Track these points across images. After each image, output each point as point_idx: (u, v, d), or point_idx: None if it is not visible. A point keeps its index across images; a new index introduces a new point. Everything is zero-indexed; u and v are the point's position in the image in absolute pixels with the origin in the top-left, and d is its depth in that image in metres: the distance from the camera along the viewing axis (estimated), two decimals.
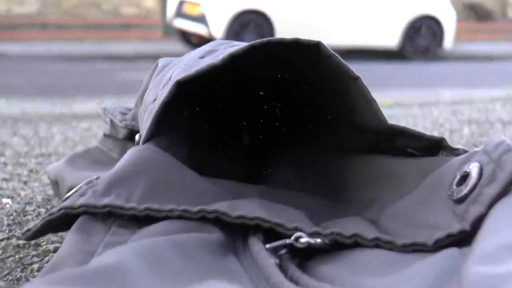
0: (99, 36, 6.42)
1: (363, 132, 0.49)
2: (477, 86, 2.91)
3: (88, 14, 7.76)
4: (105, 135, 0.63)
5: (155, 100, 0.47)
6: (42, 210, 0.66)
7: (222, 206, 0.38)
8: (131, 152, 0.42)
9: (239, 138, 0.62)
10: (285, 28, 5.01)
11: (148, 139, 0.45)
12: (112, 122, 0.61)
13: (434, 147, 0.46)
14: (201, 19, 5.03)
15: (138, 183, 0.39)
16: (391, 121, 0.47)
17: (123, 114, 0.60)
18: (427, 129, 1.36)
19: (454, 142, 1.20)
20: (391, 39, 5.40)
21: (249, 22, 5.03)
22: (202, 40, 5.11)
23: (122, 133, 0.59)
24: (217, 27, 4.95)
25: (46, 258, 0.51)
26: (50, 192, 0.73)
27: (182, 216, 0.37)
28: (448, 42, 5.55)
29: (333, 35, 5.10)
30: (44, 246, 0.54)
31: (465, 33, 7.08)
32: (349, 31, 5.25)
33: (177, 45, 5.68)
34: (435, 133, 1.31)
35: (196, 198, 0.39)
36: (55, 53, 4.99)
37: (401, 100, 2.14)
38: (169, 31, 6.20)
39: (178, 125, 0.49)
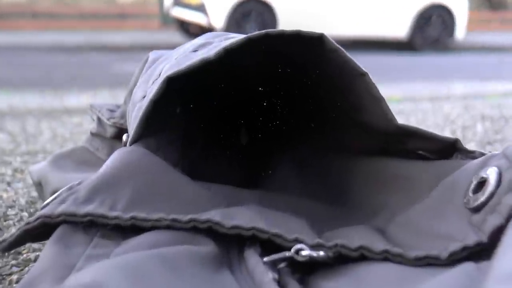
0: (93, 26, 6.41)
1: (370, 132, 0.48)
2: (491, 79, 2.89)
3: (82, 2, 7.74)
4: (92, 134, 0.61)
5: (144, 97, 0.45)
6: (25, 214, 0.64)
7: (215, 215, 0.36)
8: (117, 155, 0.41)
9: (237, 137, 0.61)
10: (289, 18, 5.00)
11: (136, 139, 0.44)
12: (99, 120, 0.59)
13: (448, 149, 0.44)
14: (200, 8, 5.01)
15: (123, 189, 0.37)
16: (399, 117, 0.46)
17: (111, 111, 0.58)
18: (437, 125, 1.35)
19: (467, 139, 1.18)
20: (400, 29, 5.38)
21: (250, 11, 5.01)
22: (201, 30, 5.10)
23: (110, 132, 0.58)
24: (217, 16, 4.92)
25: (26, 269, 0.50)
26: (35, 193, 0.71)
27: (171, 226, 0.36)
28: (460, 32, 5.53)
29: (339, 25, 5.09)
30: (25, 255, 0.52)
31: (478, 23, 7.05)
32: (356, 21, 5.23)
33: (175, 35, 5.67)
34: (447, 130, 1.30)
35: (187, 205, 0.38)
36: (47, 44, 4.98)
37: (410, 94, 2.12)
38: (167, 20, 6.19)
39: (170, 124, 0.48)
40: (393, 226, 0.40)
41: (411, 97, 2.04)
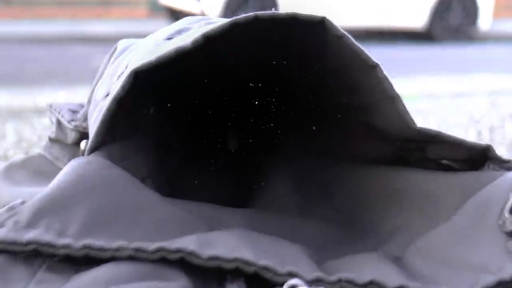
0: (73, 14, 6.41)
1: (383, 137, 0.46)
2: None
3: None
4: (50, 139, 0.59)
5: (107, 95, 0.43)
6: None
7: (190, 243, 0.34)
8: (70, 167, 0.38)
9: (224, 143, 0.60)
10: (292, 5, 4.99)
11: (96, 147, 0.41)
12: (59, 122, 0.57)
13: (478, 158, 0.42)
14: None
15: (76, 211, 0.35)
16: (416, 117, 0.45)
17: (74, 112, 0.56)
18: (460, 125, 1.33)
19: (495, 143, 1.16)
20: (417, 17, 5.40)
21: None
22: None
23: (71, 137, 0.55)
24: (212, 3, 4.91)
25: None
26: None
27: (134, 257, 0.33)
28: (484, 20, 5.55)
29: (348, 14, 5.09)
30: None
31: (505, 9, 7.06)
32: (368, 9, 5.23)
33: (164, 25, 5.67)
34: (471, 132, 1.28)
35: (155, 231, 0.35)
36: (21, 35, 4.98)
37: (429, 90, 2.10)
38: (156, 8, 6.21)
39: (140, 128, 0.46)
40: (411, 253, 0.38)
41: (430, 93, 2.03)
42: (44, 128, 1.30)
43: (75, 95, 2.07)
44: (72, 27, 5.44)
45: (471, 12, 5.50)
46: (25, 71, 3.25)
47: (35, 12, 6.44)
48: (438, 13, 5.42)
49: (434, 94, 1.98)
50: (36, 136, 1.21)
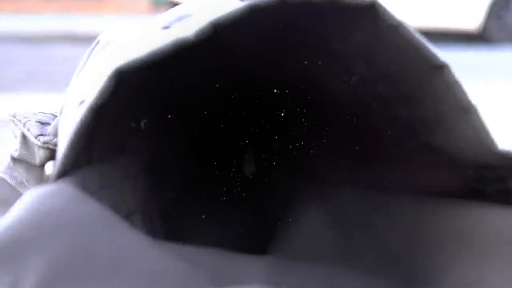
0: (63, 9, 6.51)
1: (452, 163, 0.43)
2: None
3: None
4: (13, 159, 0.57)
5: (83, 102, 0.40)
6: None
7: None
8: (29, 199, 0.36)
9: (239, 166, 0.57)
10: None
11: (65, 172, 0.39)
12: (24, 137, 0.54)
13: None
14: None
15: (33, 260, 0.33)
16: None
17: (43, 124, 0.54)
18: None
19: None
20: (471, 17, 5.47)
21: None
22: None
23: (39, 156, 0.52)
24: None
25: None
26: None
27: None
28: None
29: (395, 14, 5.22)
30: None
31: None
32: (416, 10, 5.34)
33: None
34: None
35: None
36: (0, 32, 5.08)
37: (485, 99, 2.09)
38: (159, 2, 6.31)
39: (127, 147, 0.44)
40: None
41: (488, 102, 2.02)
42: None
43: (59, 99, 2.09)
44: (60, 24, 5.55)
45: None
46: (2, 73, 3.28)
47: (17, 5, 6.54)
48: (495, 12, 5.53)
49: (494, 103, 1.96)
50: (3, 148, 1.19)
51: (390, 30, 0.40)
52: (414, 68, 0.41)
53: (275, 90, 0.53)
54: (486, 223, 0.42)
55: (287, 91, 0.52)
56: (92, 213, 0.36)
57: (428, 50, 0.39)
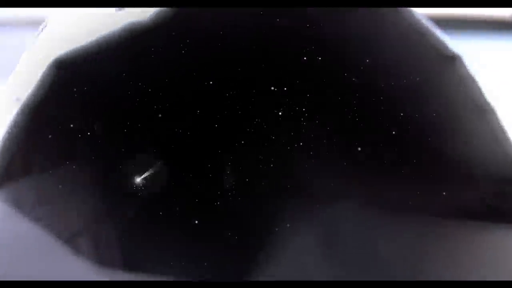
0: None
1: (466, 176, 0.40)
2: None
3: None
4: None
5: (17, 100, 0.38)
6: None
7: None
8: None
9: (216, 179, 0.53)
10: None
11: None
12: None
13: None
14: None
15: None
16: None
17: None
18: None
19: None
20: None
21: None
22: None
23: None
24: None
25: None
26: None
27: None
28: None
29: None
30: None
31: None
32: None
33: None
34: None
35: None
36: None
37: None
38: None
39: (75, 154, 0.41)
40: None
41: None
42: None
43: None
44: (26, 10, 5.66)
45: None
46: None
47: None
48: None
49: None
50: None
51: (392, 12, 0.38)
52: (420, 58, 0.38)
53: (272, 88, 0.48)
54: (508, 248, 0.40)
55: (285, 89, 0.47)
56: (24, 235, 0.35)
57: (436, 38, 0.37)
